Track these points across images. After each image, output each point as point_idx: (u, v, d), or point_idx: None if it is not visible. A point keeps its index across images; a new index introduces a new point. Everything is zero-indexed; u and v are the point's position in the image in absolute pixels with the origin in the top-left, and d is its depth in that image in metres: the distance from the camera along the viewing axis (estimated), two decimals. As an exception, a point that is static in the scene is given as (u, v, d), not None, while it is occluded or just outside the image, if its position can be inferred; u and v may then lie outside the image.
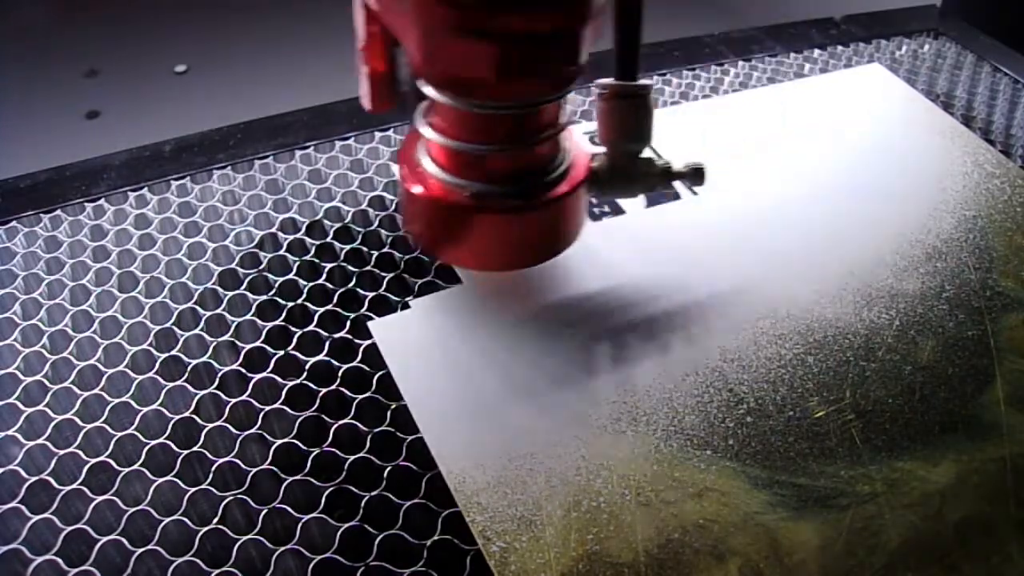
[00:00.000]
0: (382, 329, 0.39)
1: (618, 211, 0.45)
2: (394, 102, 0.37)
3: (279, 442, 0.35)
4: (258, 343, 0.39)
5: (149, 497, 0.33)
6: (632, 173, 0.37)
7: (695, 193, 0.38)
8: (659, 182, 0.37)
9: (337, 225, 0.45)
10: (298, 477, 0.34)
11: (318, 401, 0.36)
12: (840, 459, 0.35)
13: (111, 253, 0.43)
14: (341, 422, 0.35)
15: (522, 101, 0.32)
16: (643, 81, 0.35)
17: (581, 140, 0.38)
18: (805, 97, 0.55)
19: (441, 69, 0.30)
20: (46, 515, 0.32)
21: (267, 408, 0.36)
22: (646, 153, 0.37)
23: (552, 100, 0.33)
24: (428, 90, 0.33)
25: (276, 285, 0.41)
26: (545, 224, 0.36)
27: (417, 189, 0.35)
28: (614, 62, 0.35)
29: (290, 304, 0.40)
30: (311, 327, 0.39)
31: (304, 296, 0.41)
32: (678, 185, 0.44)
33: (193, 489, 0.33)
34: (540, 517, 0.32)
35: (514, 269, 0.40)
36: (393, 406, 0.36)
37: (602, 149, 0.37)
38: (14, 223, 0.44)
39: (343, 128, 0.51)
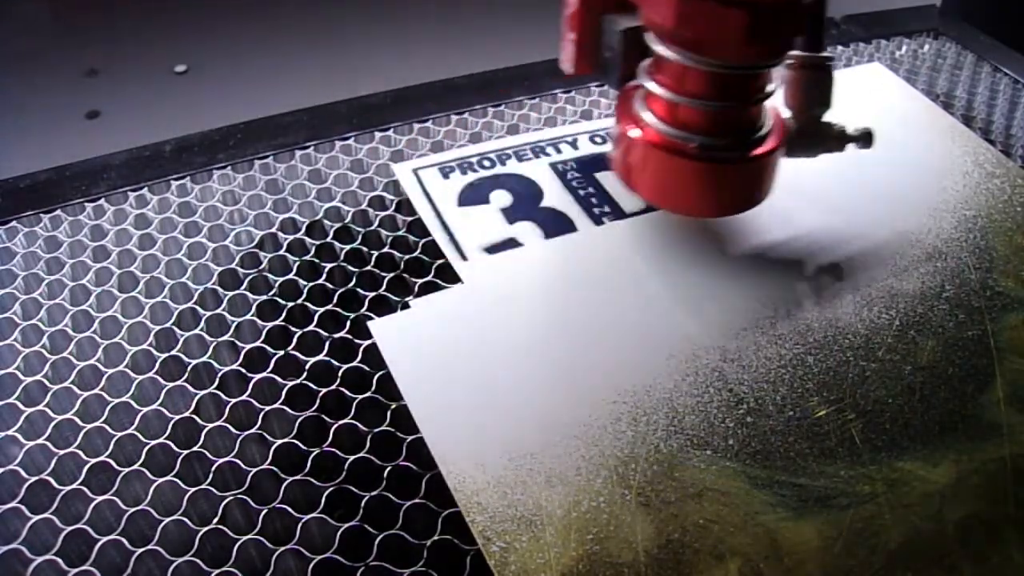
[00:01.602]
0: (382, 329, 0.39)
1: (620, 214, 0.45)
2: (592, 67, 0.42)
3: (279, 442, 0.35)
4: (258, 343, 0.39)
5: (149, 497, 0.33)
6: (816, 135, 0.41)
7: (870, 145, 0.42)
8: (836, 144, 0.42)
9: (337, 225, 0.45)
10: (298, 477, 0.34)
11: (318, 401, 0.36)
12: (840, 459, 0.34)
13: (111, 253, 0.43)
14: (341, 422, 0.35)
15: (755, 63, 0.36)
16: (826, 53, 0.40)
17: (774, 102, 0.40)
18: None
19: (693, 31, 0.34)
20: (46, 515, 0.32)
21: (267, 408, 0.36)
22: (825, 117, 0.41)
23: (776, 64, 0.37)
24: (664, 50, 0.36)
25: (276, 285, 0.41)
26: (757, 176, 0.39)
27: (643, 137, 0.38)
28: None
29: (290, 304, 0.40)
30: (311, 327, 0.39)
31: (304, 296, 0.41)
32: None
33: (193, 489, 0.33)
34: (540, 517, 0.32)
35: (727, 215, 0.44)
36: (393, 406, 0.36)
37: (788, 114, 0.41)
38: (14, 223, 0.44)
39: (343, 128, 0.51)
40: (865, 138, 0.42)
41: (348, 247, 0.44)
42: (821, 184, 0.48)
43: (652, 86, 0.38)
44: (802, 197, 0.42)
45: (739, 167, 0.38)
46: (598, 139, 0.50)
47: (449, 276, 0.42)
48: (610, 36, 0.40)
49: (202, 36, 1.78)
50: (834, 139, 0.42)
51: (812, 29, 0.39)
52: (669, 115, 0.38)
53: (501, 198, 0.46)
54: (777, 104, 0.40)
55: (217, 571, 0.31)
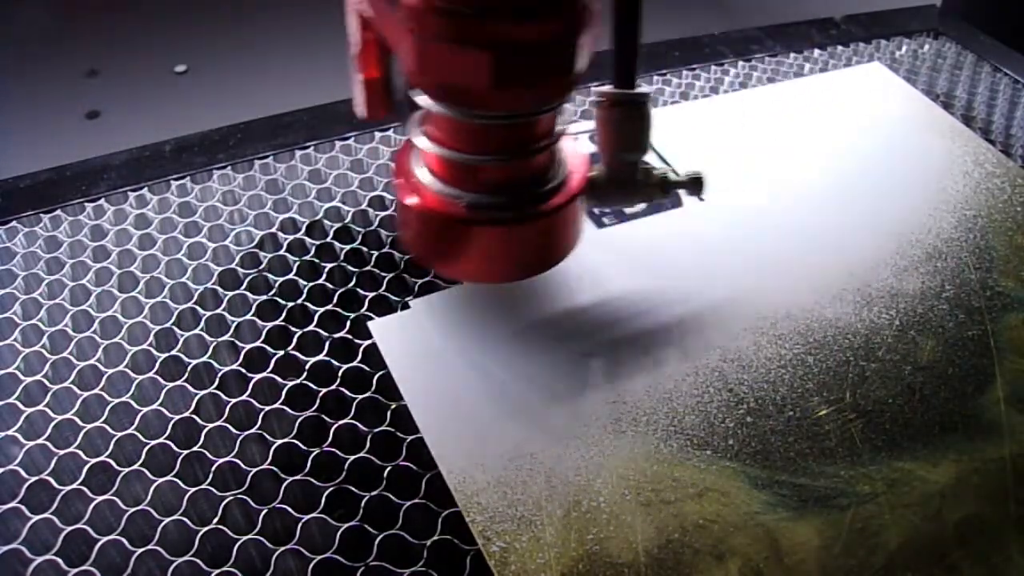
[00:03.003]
0: (382, 329, 0.39)
1: (620, 214, 0.45)
2: (389, 109, 0.37)
3: (279, 442, 0.35)
4: (258, 343, 0.39)
5: (149, 497, 0.33)
6: (630, 182, 0.36)
7: (701, 199, 0.37)
8: (658, 191, 0.37)
9: (337, 225, 0.45)
10: (298, 477, 0.34)
11: (318, 401, 0.36)
12: (840, 459, 0.34)
13: (111, 253, 0.43)
14: (341, 422, 0.35)
15: (517, 111, 0.31)
16: (642, 88, 0.35)
17: (579, 146, 0.37)
18: (805, 97, 0.55)
19: (435, 78, 0.30)
20: (46, 515, 0.32)
21: (267, 408, 0.36)
22: (649, 158, 0.36)
23: (548, 111, 0.32)
24: (422, 99, 0.32)
25: (276, 285, 0.41)
26: (542, 236, 0.35)
27: (411, 200, 0.34)
28: (612, 67, 0.34)
29: (290, 304, 0.40)
30: (311, 327, 0.39)
31: (304, 296, 0.41)
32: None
33: (193, 489, 0.33)
34: (540, 517, 0.32)
35: (509, 281, 0.39)
36: (393, 406, 0.36)
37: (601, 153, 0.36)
38: (14, 223, 0.44)
39: (343, 128, 0.51)
40: (693, 184, 0.37)
41: (348, 247, 0.44)
42: (821, 184, 0.48)
43: (419, 140, 0.34)
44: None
45: (518, 227, 0.34)
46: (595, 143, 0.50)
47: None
48: (398, 78, 0.35)
49: (202, 36, 1.78)
50: (652, 186, 0.36)
51: (622, 62, 0.34)
52: (441, 171, 0.34)
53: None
54: (574, 148, 0.36)
55: (217, 571, 0.31)
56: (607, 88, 0.35)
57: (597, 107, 0.35)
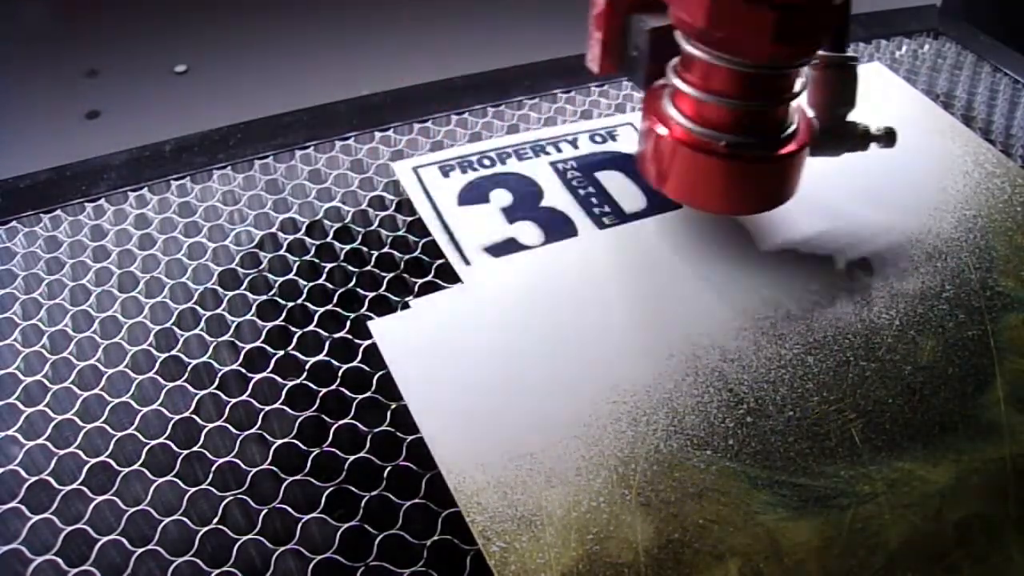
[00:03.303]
0: (382, 329, 0.39)
1: (620, 214, 0.45)
2: (618, 67, 0.42)
3: (279, 442, 0.35)
4: (258, 343, 0.39)
5: (149, 497, 0.33)
6: (840, 134, 0.42)
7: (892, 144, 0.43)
8: (860, 143, 0.42)
9: (337, 225, 0.45)
10: (298, 477, 0.34)
11: (318, 401, 0.36)
12: (840, 459, 0.34)
13: (111, 253, 0.43)
14: (341, 422, 0.35)
15: (785, 63, 0.36)
16: (851, 53, 0.40)
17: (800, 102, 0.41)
18: (805, 97, 0.55)
19: (724, 31, 0.34)
20: (46, 515, 0.32)
21: (267, 408, 0.36)
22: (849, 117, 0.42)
23: (806, 63, 0.37)
24: (694, 49, 0.36)
25: (276, 285, 0.41)
26: (784, 174, 0.40)
27: (675, 136, 0.38)
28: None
29: (290, 304, 0.40)
30: (311, 327, 0.39)
31: (304, 296, 0.41)
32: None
33: (193, 489, 0.33)
34: (540, 517, 0.32)
35: (754, 213, 0.44)
36: (393, 406, 0.36)
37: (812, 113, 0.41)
38: (14, 223, 0.44)
39: (343, 128, 0.51)
40: (888, 137, 0.42)
41: (348, 247, 0.44)
42: (821, 185, 0.48)
43: (681, 85, 0.38)
44: (801, 199, 0.42)
45: (768, 166, 0.39)
46: (598, 138, 0.50)
47: (449, 276, 0.42)
48: (637, 35, 0.40)
49: (202, 36, 1.78)
50: (858, 138, 0.42)
51: (836, 29, 0.40)
52: (697, 114, 0.38)
53: (501, 197, 0.46)
54: (802, 103, 0.41)
55: (217, 571, 0.31)
56: (821, 52, 0.40)
57: (813, 68, 0.40)
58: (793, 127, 0.39)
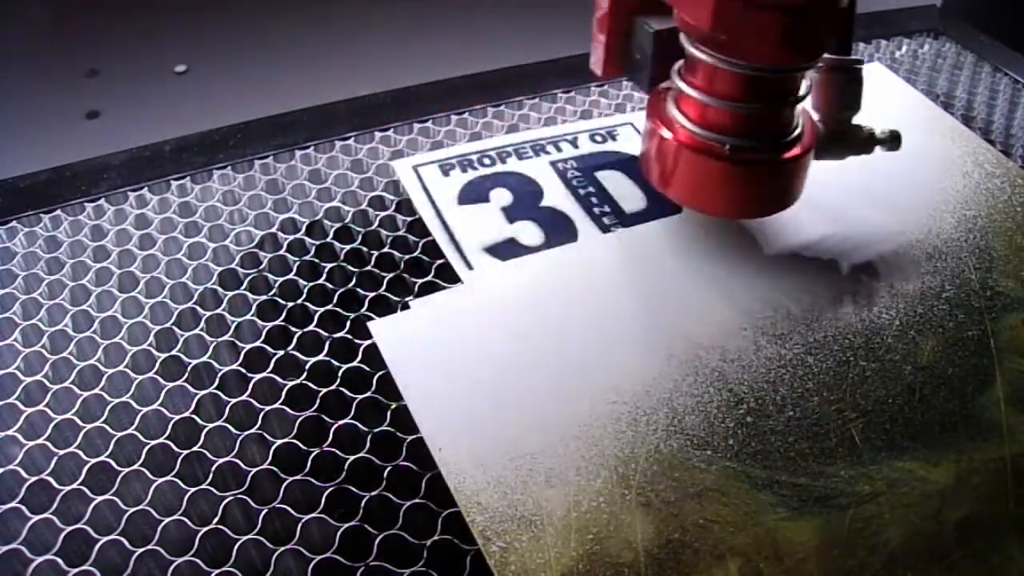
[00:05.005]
0: (382, 329, 0.39)
1: (620, 214, 0.45)
2: (622, 70, 0.42)
3: (279, 442, 0.35)
4: (258, 343, 0.39)
5: (149, 497, 0.33)
6: (844, 138, 0.41)
7: (897, 148, 0.42)
8: (865, 147, 0.42)
9: (337, 225, 0.45)
10: (298, 477, 0.34)
11: (318, 401, 0.36)
12: (840, 459, 0.34)
13: (111, 253, 0.43)
14: (341, 422, 0.35)
15: (790, 66, 0.36)
16: (855, 56, 0.40)
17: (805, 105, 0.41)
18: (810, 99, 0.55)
19: (729, 33, 0.34)
20: (46, 515, 0.32)
21: (267, 408, 0.36)
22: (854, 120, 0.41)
23: (811, 66, 0.37)
24: (698, 52, 0.36)
25: (276, 285, 0.41)
26: (788, 178, 0.40)
27: (675, 139, 0.38)
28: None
29: (290, 304, 0.40)
30: (311, 327, 0.39)
31: (304, 296, 0.41)
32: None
33: (193, 489, 0.33)
34: (540, 517, 0.32)
35: (758, 217, 0.44)
36: (393, 406, 0.36)
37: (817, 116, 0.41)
38: (14, 223, 0.44)
39: (343, 128, 0.51)
40: (893, 140, 0.42)
41: (348, 247, 0.44)
42: (820, 185, 0.48)
43: (685, 87, 0.38)
44: (804, 202, 0.42)
45: (771, 169, 0.39)
46: (599, 138, 0.50)
47: (449, 276, 0.42)
48: (641, 38, 0.40)
49: (202, 36, 1.78)
50: (863, 142, 0.42)
51: (841, 32, 0.39)
52: (701, 117, 0.38)
53: (501, 196, 0.46)
54: (806, 106, 0.41)
55: (217, 571, 0.31)
56: (826, 55, 0.39)
57: (818, 71, 0.40)
58: (798, 131, 0.39)
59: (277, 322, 0.40)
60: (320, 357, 0.38)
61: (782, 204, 0.41)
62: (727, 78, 0.36)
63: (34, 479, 0.33)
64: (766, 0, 0.33)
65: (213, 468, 0.34)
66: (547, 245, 0.43)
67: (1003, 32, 0.63)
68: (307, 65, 1.68)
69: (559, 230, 0.44)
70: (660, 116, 0.39)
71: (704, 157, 0.38)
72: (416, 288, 0.41)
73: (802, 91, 0.38)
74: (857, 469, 0.34)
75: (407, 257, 0.43)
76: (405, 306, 0.40)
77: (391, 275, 0.42)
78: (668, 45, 0.39)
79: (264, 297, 0.41)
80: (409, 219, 0.45)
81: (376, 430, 0.35)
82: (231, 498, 0.33)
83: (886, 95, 0.56)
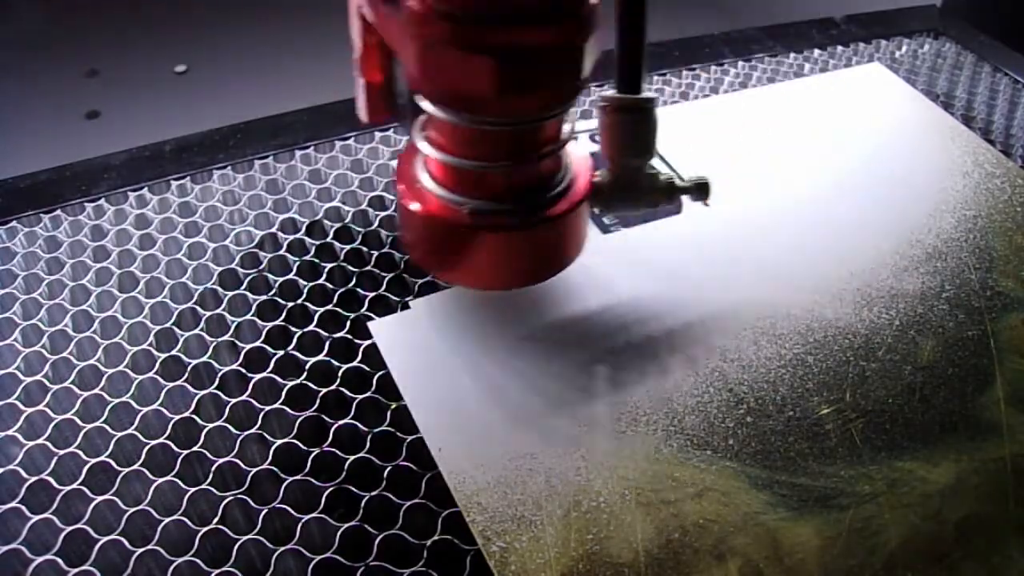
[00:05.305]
0: (382, 329, 0.39)
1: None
2: (391, 113, 0.37)
3: (279, 442, 0.35)
4: (258, 343, 0.39)
5: (149, 497, 0.33)
6: (636, 188, 0.36)
7: (707, 205, 0.37)
8: (663, 197, 0.36)
9: (337, 225, 0.45)
10: (298, 477, 0.34)
11: (318, 401, 0.36)
12: (840, 459, 0.35)
13: (111, 253, 0.43)
14: (341, 422, 0.35)
15: (522, 117, 0.31)
16: (647, 94, 0.34)
17: (581, 148, 0.37)
18: (805, 97, 0.55)
19: (439, 83, 0.29)
20: (46, 515, 0.32)
21: (267, 408, 0.36)
22: (654, 163, 0.36)
23: (553, 116, 0.32)
24: (426, 105, 0.31)
25: (276, 285, 0.41)
26: (546, 241, 0.35)
27: (414, 206, 0.34)
28: (616, 71, 0.34)
29: (290, 304, 0.40)
30: (311, 327, 0.39)
31: (304, 296, 0.41)
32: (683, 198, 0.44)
33: (193, 489, 0.33)
34: (540, 517, 0.32)
35: (512, 288, 0.39)
36: (393, 406, 0.36)
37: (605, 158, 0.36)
38: (14, 223, 0.44)
39: (343, 128, 0.51)
40: (699, 189, 0.36)
41: (348, 247, 0.44)
42: (821, 185, 0.48)
43: (423, 146, 0.33)
44: (804, 203, 0.40)
45: (521, 233, 0.33)
46: (598, 137, 0.50)
47: (449, 276, 0.42)
48: (401, 81, 0.35)
49: (202, 36, 1.78)
50: (659, 192, 0.36)
51: (626, 67, 0.34)
52: (444, 177, 0.33)
53: (501, 198, 0.46)
54: (579, 152, 0.36)
55: (217, 571, 0.31)
56: (611, 92, 0.34)
57: (601, 111, 0.34)
58: (564, 184, 0.34)
59: (277, 322, 0.40)
60: (320, 357, 0.38)
61: (548, 270, 0.36)
62: (460, 134, 0.31)
63: (34, 479, 0.33)
64: (475, 44, 0.27)
65: (213, 468, 0.34)
66: (547, 245, 0.43)
67: (1003, 32, 0.63)
68: (307, 65, 1.68)
69: (559, 230, 0.44)
70: (404, 176, 0.35)
71: (440, 222, 0.33)
72: (416, 288, 0.41)
73: (558, 142, 0.33)
74: (857, 469, 0.34)
75: (407, 257, 0.43)
76: (405, 306, 0.40)
77: (391, 275, 0.42)
78: None
79: (264, 297, 0.41)
80: (409, 219, 0.45)
81: (376, 430, 0.35)
82: (231, 498, 0.33)
83: (886, 95, 0.56)
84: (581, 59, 0.29)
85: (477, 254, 0.34)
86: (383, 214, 0.45)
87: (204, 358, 0.38)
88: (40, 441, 0.34)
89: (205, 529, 0.32)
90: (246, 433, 0.35)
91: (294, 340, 0.39)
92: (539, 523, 0.32)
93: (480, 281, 0.36)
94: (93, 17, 1.83)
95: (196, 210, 0.45)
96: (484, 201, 0.33)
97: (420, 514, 0.33)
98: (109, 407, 0.36)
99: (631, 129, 0.34)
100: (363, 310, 0.40)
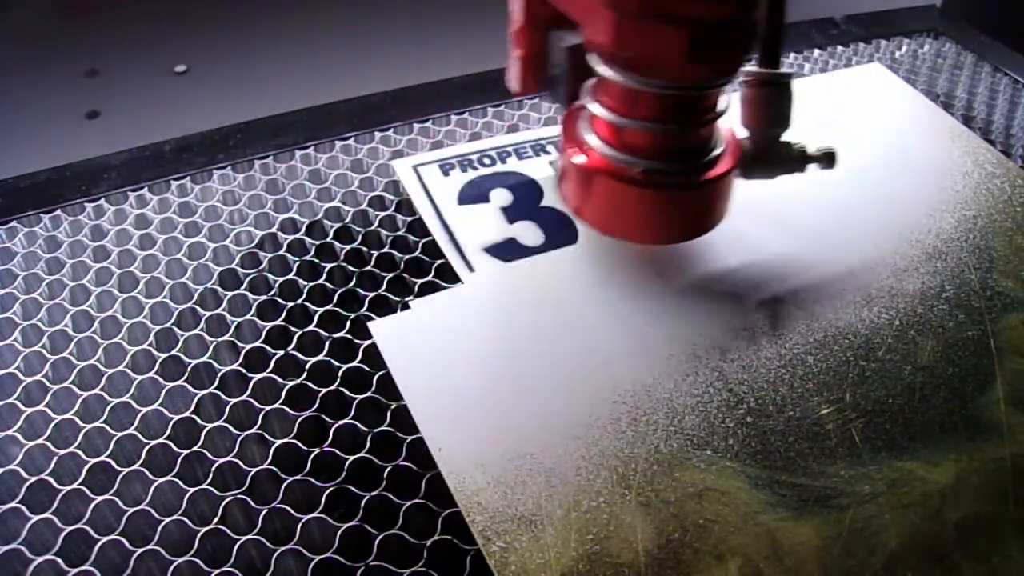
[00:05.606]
0: (382, 329, 0.39)
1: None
2: (539, 86, 0.41)
3: (279, 442, 0.35)
4: (258, 343, 0.39)
5: (149, 497, 0.33)
6: (774, 156, 0.39)
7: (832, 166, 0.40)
8: (797, 165, 0.39)
9: (337, 225, 0.45)
10: (298, 477, 0.34)
11: (318, 401, 0.36)
12: (840, 459, 0.35)
13: (111, 253, 0.43)
14: (341, 422, 0.35)
15: (700, 83, 0.34)
16: (785, 69, 0.37)
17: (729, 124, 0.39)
18: (805, 97, 0.55)
19: (631, 50, 0.32)
20: (46, 515, 0.32)
21: (267, 408, 0.36)
22: (786, 136, 0.39)
23: (723, 84, 0.35)
24: (603, 70, 0.34)
25: (276, 285, 0.41)
26: (707, 201, 0.38)
27: (583, 161, 0.37)
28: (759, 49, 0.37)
29: (290, 304, 0.40)
30: (311, 327, 0.39)
31: (304, 296, 0.41)
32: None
33: (193, 489, 0.33)
34: (540, 517, 0.32)
35: (677, 243, 0.42)
36: (393, 406, 0.36)
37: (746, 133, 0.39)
38: (14, 223, 0.44)
39: (343, 128, 0.51)
40: (827, 159, 0.40)
41: (348, 247, 0.44)
42: (820, 184, 0.48)
43: (595, 108, 0.36)
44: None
45: (687, 193, 0.37)
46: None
47: (449, 276, 0.42)
48: (557, 53, 0.38)
49: (202, 36, 1.78)
50: (794, 160, 0.39)
51: (768, 44, 0.37)
52: (613, 138, 0.36)
53: (501, 196, 0.46)
54: (732, 124, 0.39)
55: (217, 571, 0.31)
56: (753, 68, 0.37)
57: (744, 86, 0.38)
58: (719, 150, 0.37)
59: (277, 322, 0.40)
60: (320, 357, 0.38)
61: (703, 228, 0.39)
62: (636, 97, 0.34)
63: (34, 479, 0.33)
64: (669, 14, 0.31)
65: (213, 468, 0.34)
66: (547, 245, 0.43)
67: (1003, 32, 0.63)
68: (307, 65, 1.68)
69: (559, 230, 0.44)
70: (572, 137, 0.37)
71: (614, 181, 0.36)
72: (416, 288, 0.41)
73: (720, 109, 0.36)
74: (857, 469, 0.34)
75: (407, 257, 0.43)
76: (405, 306, 0.40)
77: (391, 275, 0.42)
78: (584, 60, 0.36)
79: (264, 297, 0.41)
80: (409, 219, 0.45)
81: (376, 430, 0.35)
82: (231, 498, 0.33)
83: (886, 95, 0.56)
84: (754, 32, 0.34)
85: (644, 210, 0.37)
86: (383, 214, 0.45)
87: (204, 358, 0.38)
88: (40, 441, 0.34)
89: (205, 529, 0.32)
90: (246, 433, 0.35)
91: (294, 340, 0.39)
92: (539, 523, 0.32)
93: (642, 236, 0.39)
94: (93, 17, 1.82)
95: (196, 210, 0.45)
96: (653, 161, 0.36)
97: (420, 514, 0.33)
98: (109, 407, 0.36)
99: (772, 101, 0.38)
100: (363, 310, 0.40)
